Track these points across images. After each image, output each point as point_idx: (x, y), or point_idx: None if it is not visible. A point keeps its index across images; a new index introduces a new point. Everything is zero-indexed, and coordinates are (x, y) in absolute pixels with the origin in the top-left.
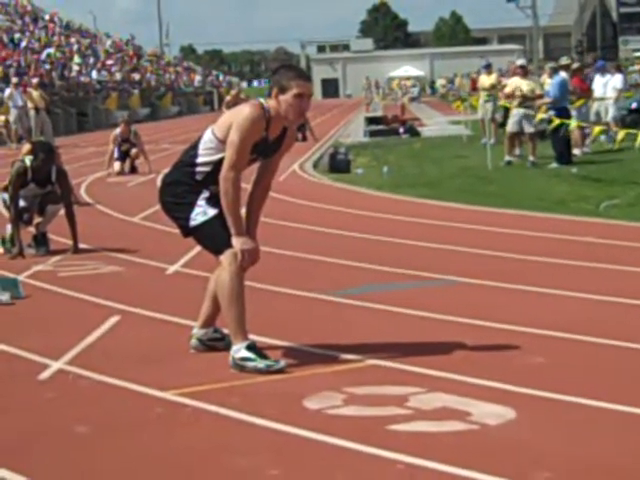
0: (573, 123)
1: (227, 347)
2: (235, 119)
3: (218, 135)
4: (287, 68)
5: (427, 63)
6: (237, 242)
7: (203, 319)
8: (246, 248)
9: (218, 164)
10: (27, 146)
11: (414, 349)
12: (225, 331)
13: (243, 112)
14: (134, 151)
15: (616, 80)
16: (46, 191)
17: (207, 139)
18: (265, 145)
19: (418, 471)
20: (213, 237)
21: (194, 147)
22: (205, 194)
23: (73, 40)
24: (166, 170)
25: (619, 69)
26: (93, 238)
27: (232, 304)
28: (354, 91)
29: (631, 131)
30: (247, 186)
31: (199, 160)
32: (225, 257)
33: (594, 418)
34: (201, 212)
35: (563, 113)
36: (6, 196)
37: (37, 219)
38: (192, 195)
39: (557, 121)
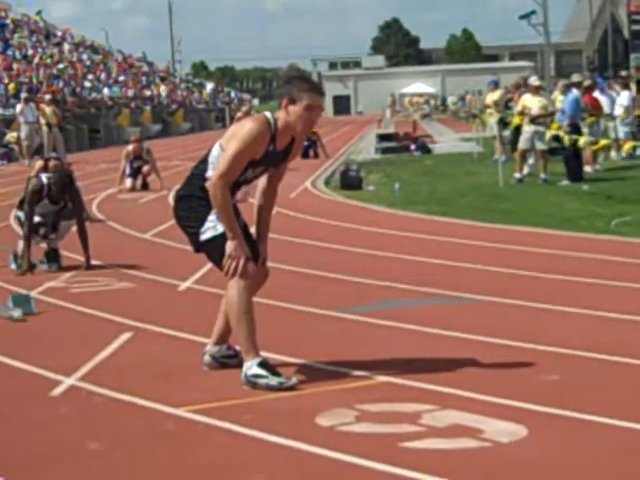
0: (585, 138)
1: (240, 364)
2: (237, 132)
3: (224, 148)
4: (299, 79)
5: (439, 80)
6: (229, 246)
7: (216, 336)
8: (235, 255)
9: None
10: (39, 162)
11: (426, 366)
12: (238, 348)
13: (245, 127)
14: (146, 168)
15: (623, 97)
16: (59, 207)
17: (215, 153)
18: (274, 156)
19: None
20: (221, 253)
21: (204, 161)
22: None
23: (85, 57)
24: (178, 186)
25: (626, 86)
26: (105, 254)
27: (241, 321)
28: (366, 108)
29: (637, 143)
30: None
31: (209, 174)
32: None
33: (608, 436)
34: (211, 227)
35: (575, 130)
36: (20, 214)
37: (50, 235)
38: (204, 209)
39: (567, 137)
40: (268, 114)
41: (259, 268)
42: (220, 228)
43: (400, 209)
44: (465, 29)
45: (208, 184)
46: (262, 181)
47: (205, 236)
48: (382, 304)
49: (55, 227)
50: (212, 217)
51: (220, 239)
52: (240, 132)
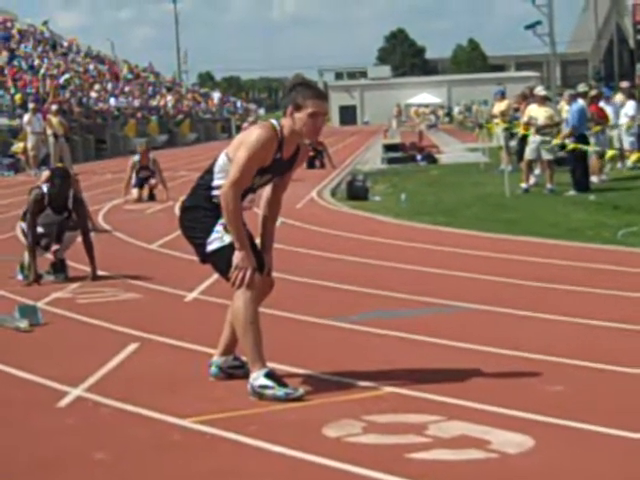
0: (590, 148)
1: (246, 375)
2: (245, 139)
3: (231, 157)
4: (304, 86)
5: (445, 90)
6: (237, 257)
7: (223, 347)
8: (242, 265)
9: None
10: (46, 173)
11: (432, 377)
12: (244, 359)
13: (253, 134)
14: (153, 181)
15: (628, 107)
16: (62, 217)
17: (221, 163)
18: (280, 164)
19: None
20: (227, 264)
21: (209, 171)
22: (223, 219)
23: (91, 67)
24: (184, 196)
25: (631, 96)
26: (111, 265)
27: (248, 332)
28: (372, 118)
29: None
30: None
31: (215, 184)
32: None
33: (614, 446)
34: (218, 238)
35: (581, 140)
36: (24, 225)
37: (55, 246)
38: (210, 219)
39: (571, 145)
40: (274, 121)
41: (264, 278)
42: (227, 239)
43: (406, 219)
44: (471, 39)
45: (220, 192)
46: (266, 191)
47: (212, 247)
48: (387, 314)
49: (59, 238)
50: (218, 228)
51: (227, 250)
52: (248, 140)
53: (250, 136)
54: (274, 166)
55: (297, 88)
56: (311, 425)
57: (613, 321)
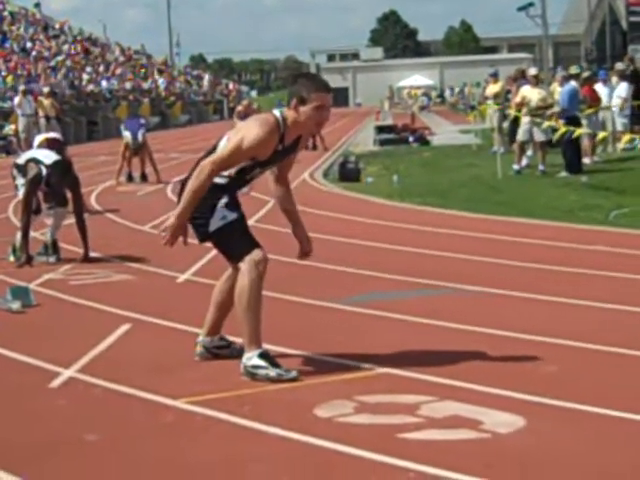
0: (581, 130)
1: (232, 354)
2: (245, 128)
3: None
4: (307, 78)
5: (437, 72)
6: (170, 221)
7: (208, 327)
8: (170, 229)
9: (237, 171)
10: (40, 137)
11: (425, 357)
12: (231, 339)
13: (254, 131)
14: (141, 156)
15: (621, 89)
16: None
17: (222, 146)
18: (282, 152)
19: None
20: (232, 242)
21: (211, 152)
22: (224, 199)
23: (83, 49)
24: (177, 177)
25: (623, 77)
26: (104, 246)
27: (249, 312)
28: (364, 100)
29: (635, 136)
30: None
31: None
32: (245, 264)
33: (607, 427)
34: (221, 217)
35: (574, 122)
36: (14, 171)
37: (45, 225)
38: (212, 200)
39: (563, 128)
40: (277, 114)
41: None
42: (230, 217)
43: (399, 201)
44: (463, 21)
45: (201, 163)
46: (272, 173)
47: (216, 225)
48: (379, 295)
49: (46, 197)
50: (221, 207)
51: (229, 228)
52: (247, 133)
53: (251, 132)
54: (275, 157)
55: (300, 80)
56: (303, 405)
57: (605, 302)
